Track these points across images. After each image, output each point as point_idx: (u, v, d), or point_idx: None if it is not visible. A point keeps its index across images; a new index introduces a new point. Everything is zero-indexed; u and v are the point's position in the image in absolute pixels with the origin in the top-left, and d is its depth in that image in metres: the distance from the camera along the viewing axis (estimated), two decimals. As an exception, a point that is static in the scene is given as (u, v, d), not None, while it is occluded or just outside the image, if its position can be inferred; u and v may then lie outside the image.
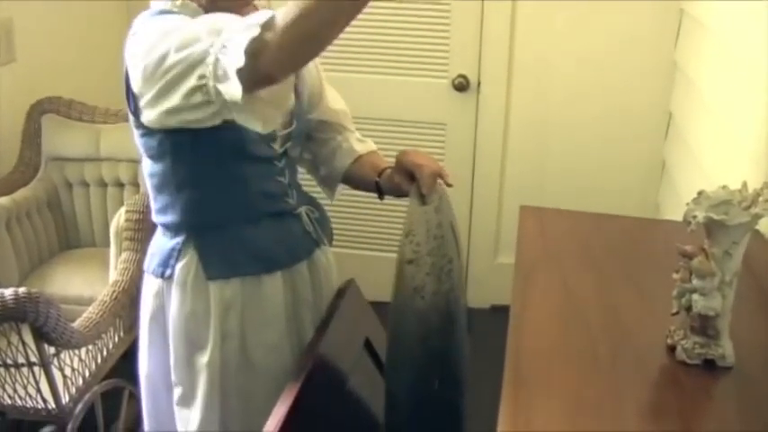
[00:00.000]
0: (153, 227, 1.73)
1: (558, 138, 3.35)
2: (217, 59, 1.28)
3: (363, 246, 3.63)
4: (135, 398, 1.86)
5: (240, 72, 1.24)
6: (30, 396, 2.18)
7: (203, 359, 1.64)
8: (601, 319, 1.44)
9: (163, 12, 1.49)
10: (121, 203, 2.76)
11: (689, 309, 1.28)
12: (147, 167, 1.63)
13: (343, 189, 1.91)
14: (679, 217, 1.27)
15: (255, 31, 1.23)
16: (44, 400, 2.18)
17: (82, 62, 3.25)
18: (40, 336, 2.05)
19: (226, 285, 1.62)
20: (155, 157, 1.59)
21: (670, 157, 3.12)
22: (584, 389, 1.24)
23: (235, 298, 1.63)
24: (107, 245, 2.68)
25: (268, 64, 1.25)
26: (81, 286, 2.72)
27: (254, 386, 1.67)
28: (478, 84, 3.33)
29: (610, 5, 3.13)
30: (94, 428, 2.32)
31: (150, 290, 1.70)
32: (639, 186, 3.31)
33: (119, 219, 2.56)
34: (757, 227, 1.31)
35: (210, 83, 1.30)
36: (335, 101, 1.85)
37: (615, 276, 1.61)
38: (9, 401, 2.21)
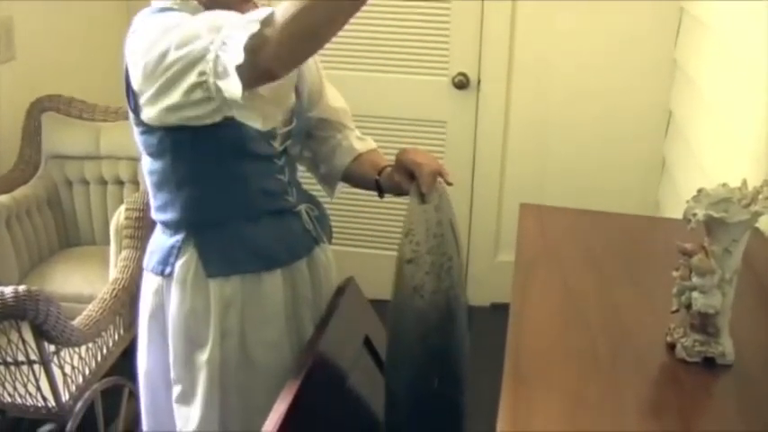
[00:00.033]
0: (153, 225, 1.73)
1: (559, 136, 3.35)
2: (217, 56, 1.29)
3: (363, 244, 3.63)
4: (135, 396, 1.86)
5: (240, 69, 1.24)
6: (30, 394, 2.18)
7: (203, 357, 1.64)
8: (600, 317, 1.44)
9: (163, 9, 1.48)
10: (121, 201, 2.76)
11: (689, 306, 1.28)
12: (147, 165, 1.63)
13: (342, 187, 1.91)
14: (679, 215, 1.27)
15: (255, 28, 1.23)
16: (44, 398, 2.18)
17: (82, 60, 3.25)
18: (40, 334, 2.05)
19: (226, 283, 1.62)
20: (154, 154, 1.59)
21: (670, 155, 3.12)
22: (583, 386, 1.24)
23: (235, 295, 1.63)
24: (107, 243, 2.68)
25: (268, 59, 1.25)
26: (81, 284, 2.72)
27: (253, 384, 1.67)
28: (478, 82, 3.33)
29: (610, 4, 3.13)
30: (94, 426, 2.32)
31: (150, 288, 1.70)
32: (639, 184, 3.31)
33: (119, 217, 2.56)
34: (757, 224, 1.31)
35: (211, 80, 1.30)
36: (335, 99, 1.85)
37: (615, 274, 1.61)
38: (9, 399, 2.21)
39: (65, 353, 2.22)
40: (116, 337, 2.51)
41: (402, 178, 1.70)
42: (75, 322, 2.22)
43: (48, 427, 2.32)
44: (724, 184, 1.25)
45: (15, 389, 2.18)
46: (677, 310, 1.32)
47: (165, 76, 1.36)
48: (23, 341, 2.07)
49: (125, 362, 2.42)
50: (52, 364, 2.14)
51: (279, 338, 1.69)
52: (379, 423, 1.75)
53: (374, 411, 1.78)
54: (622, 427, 1.16)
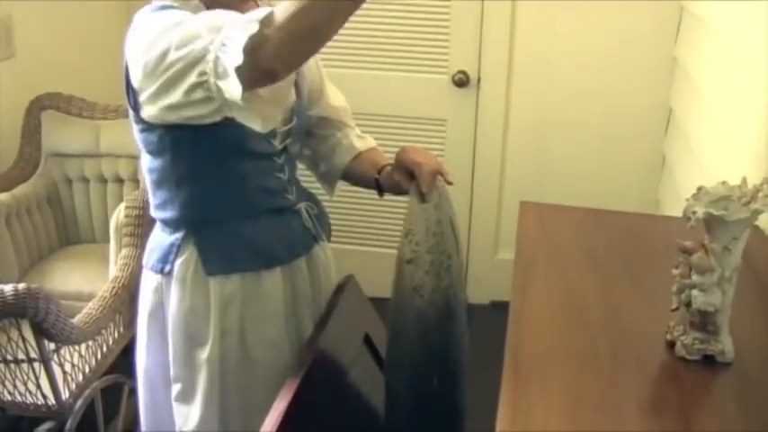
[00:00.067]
0: (153, 222, 1.73)
1: (558, 134, 3.35)
2: (217, 57, 1.28)
3: (363, 242, 3.63)
4: (135, 393, 1.86)
5: (240, 69, 1.24)
6: (30, 392, 2.18)
7: (203, 355, 1.64)
8: (600, 315, 1.44)
9: (164, 7, 1.48)
10: (121, 199, 2.76)
11: (688, 304, 1.28)
12: (147, 163, 1.63)
13: (342, 185, 1.91)
14: (679, 213, 1.27)
15: (254, 28, 1.23)
16: (44, 396, 2.18)
17: (81, 58, 3.25)
18: (40, 332, 2.05)
19: (225, 281, 1.62)
20: (154, 152, 1.59)
21: (670, 152, 3.12)
22: (583, 384, 1.24)
23: (234, 294, 1.63)
24: (107, 241, 2.68)
25: (268, 59, 1.25)
26: (81, 282, 2.72)
27: (253, 382, 1.67)
28: (478, 79, 3.33)
29: (610, 2, 3.12)
30: (94, 424, 2.32)
31: (149, 285, 1.70)
32: (639, 182, 3.30)
33: (118, 215, 2.57)
34: (757, 222, 1.31)
35: (211, 79, 1.30)
36: (336, 97, 1.85)
37: (615, 272, 1.61)
38: (9, 397, 2.21)
39: (65, 351, 2.22)
40: (116, 335, 2.51)
41: (402, 177, 1.70)
42: (75, 320, 2.22)
43: (47, 425, 2.33)
44: (724, 182, 1.25)
45: (15, 387, 2.18)
46: (677, 308, 1.32)
47: (165, 75, 1.35)
48: (23, 339, 2.07)
49: (125, 360, 2.42)
50: (52, 362, 2.14)
51: (278, 337, 1.69)
52: (378, 421, 1.75)
53: (374, 409, 1.78)
54: (622, 424, 1.16)
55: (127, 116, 1.62)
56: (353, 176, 1.85)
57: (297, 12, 1.22)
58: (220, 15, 1.34)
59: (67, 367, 2.23)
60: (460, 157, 3.42)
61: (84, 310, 2.32)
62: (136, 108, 1.52)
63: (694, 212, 1.22)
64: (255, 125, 1.34)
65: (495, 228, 3.55)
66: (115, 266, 2.54)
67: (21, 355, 2.11)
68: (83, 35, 3.27)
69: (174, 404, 1.70)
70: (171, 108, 1.39)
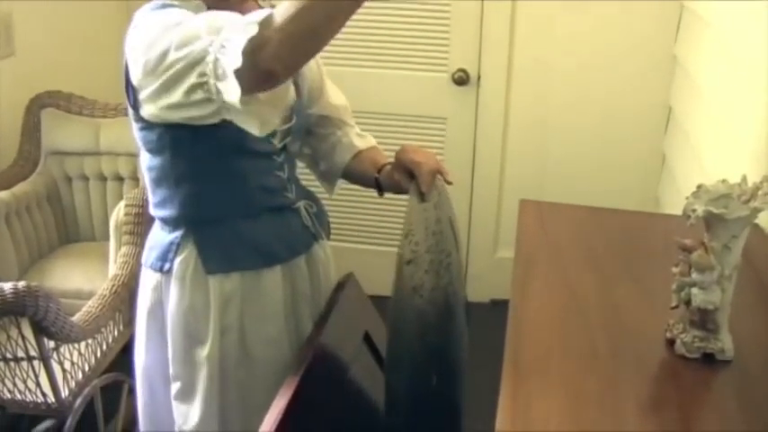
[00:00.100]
0: (152, 221, 1.72)
1: (558, 132, 3.35)
2: (216, 59, 1.28)
3: (362, 240, 3.63)
4: (134, 392, 1.86)
5: (240, 72, 1.23)
6: (29, 390, 2.18)
7: (202, 353, 1.64)
8: (600, 312, 1.44)
9: (165, 5, 1.47)
10: (121, 197, 2.76)
11: (688, 302, 1.28)
12: (146, 161, 1.63)
13: (342, 184, 1.91)
14: (679, 211, 1.27)
15: (254, 30, 1.22)
16: (44, 395, 2.18)
17: (81, 56, 3.24)
18: (40, 330, 2.05)
19: (225, 279, 1.62)
20: (154, 150, 1.59)
21: (670, 151, 3.11)
22: (583, 382, 1.24)
23: (234, 292, 1.63)
24: (107, 239, 2.69)
25: (268, 61, 1.24)
26: (80, 280, 2.72)
27: (253, 380, 1.67)
28: (478, 77, 3.32)
29: (611, 1, 3.12)
30: (94, 422, 2.32)
31: (148, 284, 1.70)
32: (639, 180, 3.30)
33: (118, 213, 2.56)
34: (756, 221, 1.31)
35: (211, 80, 1.30)
36: (336, 96, 1.85)
37: (615, 270, 1.61)
38: (9, 396, 2.21)
39: (64, 349, 2.22)
40: (116, 333, 2.51)
41: (401, 177, 1.70)
42: (75, 318, 2.22)
43: (46, 423, 2.33)
44: (723, 181, 1.25)
45: (15, 385, 2.18)
46: (677, 307, 1.32)
47: (165, 74, 1.35)
48: (23, 337, 2.07)
49: (125, 358, 2.42)
50: (52, 361, 2.14)
51: (278, 335, 1.69)
52: (378, 419, 1.75)
53: (374, 407, 1.78)
54: (622, 422, 1.16)
55: (126, 114, 1.62)
56: (353, 175, 1.85)
57: (296, 13, 1.21)
58: (220, 16, 1.33)
59: (67, 365, 2.23)
60: (460, 155, 3.42)
61: (84, 309, 2.32)
62: (135, 106, 1.51)
63: (694, 210, 1.22)
64: (253, 129, 1.33)
65: (494, 226, 3.55)
66: (115, 264, 2.54)
67: (20, 354, 2.11)
68: (83, 33, 3.27)
69: (174, 403, 1.70)
70: (171, 108, 1.38)
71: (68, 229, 3.05)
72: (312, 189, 1.83)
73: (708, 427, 1.19)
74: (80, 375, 2.30)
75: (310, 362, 1.57)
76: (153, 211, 1.68)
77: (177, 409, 1.70)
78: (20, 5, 2.89)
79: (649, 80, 3.18)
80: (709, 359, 1.29)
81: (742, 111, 2.04)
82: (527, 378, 1.25)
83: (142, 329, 1.74)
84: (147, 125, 1.54)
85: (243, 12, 1.34)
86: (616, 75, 3.21)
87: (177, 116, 1.40)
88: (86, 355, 2.33)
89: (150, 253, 1.69)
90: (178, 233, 1.63)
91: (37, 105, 2.94)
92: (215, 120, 1.36)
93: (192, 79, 1.32)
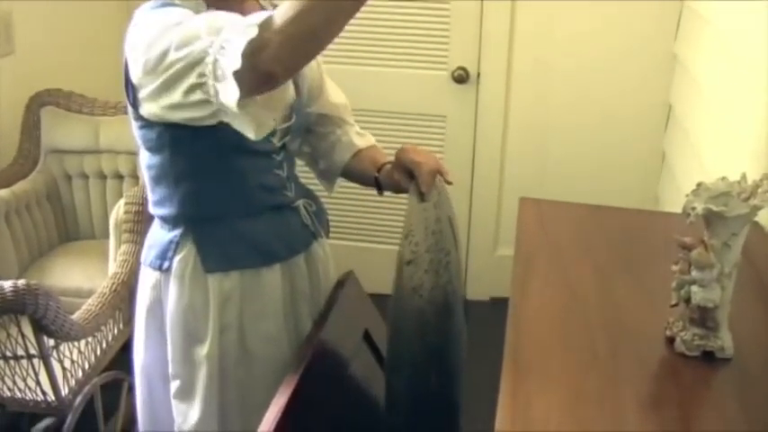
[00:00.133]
0: (152, 219, 1.72)
1: (558, 129, 3.35)
2: (216, 60, 1.27)
3: (361, 238, 3.63)
4: (134, 390, 1.86)
5: (239, 74, 1.23)
6: (29, 388, 2.18)
7: (202, 352, 1.64)
8: (600, 310, 1.44)
9: (165, 4, 1.47)
10: (121, 195, 2.76)
11: (688, 300, 1.28)
12: (145, 159, 1.63)
13: (341, 182, 1.91)
14: (679, 209, 1.27)
15: (253, 32, 1.22)
16: (43, 393, 2.18)
17: (81, 54, 3.24)
18: (40, 328, 2.05)
19: (224, 278, 1.62)
20: (153, 149, 1.59)
21: (670, 149, 3.11)
22: (583, 380, 1.24)
23: (233, 290, 1.63)
24: (106, 237, 2.69)
25: (268, 62, 1.24)
26: (80, 278, 2.72)
27: (252, 379, 1.67)
28: (478, 75, 3.32)
29: (610, -2, 3.13)
30: (94, 421, 2.32)
31: (147, 282, 1.70)
32: (639, 178, 3.30)
33: (118, 211, 2.56)
34: (756, 218, 1.31)
35: (210, 81, 1.29)
36: (336, 94, 1.84)
37: (614, 268, 1.61)
38: (8, 394, 2.21)
39: (64, 347, 2.22)
40: (115, 331, 2.51)
41: (401, 177, 1.69)
42: (75, 316, 2.22)
43: (46, 422, 2.33)
44: (723, 178, 1.25)
45: (15, 383, 2.18)
46: (676, 304, 1.32)
47: (165, 74, 1.35)
48: (23, 335, 2.07)
49: (124, 356, 2.42)
50: (51, 359, 2.14)
51: (278, 333, 1.69)
52: (378, 416, 1.75)
53: (373, 405, 1.78)
54: (622, 420, 1.16)
55: (126, 112, 1.62)
56: (353, 174, 1.85)
57: (296, 15, 1.21)
58: (220, 17, 1.33)
59: (67, 364, 2.23)
60: (460, 153, 3.42)
61: (84, 307, 2.32)
62: (135, 105, 1.51)
63: (694, 208, 1.22)
64: (249, 132, 1.32)
65: (494, 223, 3.55)
66: (114, 263, 2.54)
67: (20, 352, 2.11)
68: (82, 31, 3.27)
69: (173, 401, 1.70)
70: (170, 108, 1.38)
71: (68, 228, 3.05)
72: (311, 187, 1.83)
73: (708, 425, 1.19)
74: (80, 374, 2.30)
75: (310, 360, 1.57)
76: (152, 209, 1.68)
77: (176, 407, 1.70)
78: (20, 4, 2.89)
79: (649, 78, 3.18)
80: (708, 357, 1.29)
81: (742, 108, 2.04)
82: (527, 376, 1.25)
83: (141, 328, 1.74)
84: (146, 123, 1.54)
85: (243, 11, 1.34)
86: (616, 73, 3.21)
87: (176, 116, 1.40)
88: (86, 354, 2.33)
89: (149, 251, 1.69)
90: (177, 232, 1.63)
91: (37, 103, 2.94)
92: (213, 121, 1.36)
93: (192, 80, 1.31)
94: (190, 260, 1.62)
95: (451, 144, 3.42)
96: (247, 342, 1.66)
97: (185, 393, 1.68)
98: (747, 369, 1.28)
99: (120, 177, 3.00)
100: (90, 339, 2.33)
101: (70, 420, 2.21)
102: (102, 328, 2.39)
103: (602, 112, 3.28)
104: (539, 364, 1.28)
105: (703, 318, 1.28)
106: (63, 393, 2.21)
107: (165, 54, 1.34)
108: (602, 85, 3.24)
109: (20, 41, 2.90)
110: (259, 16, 1.24)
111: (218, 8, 1.40)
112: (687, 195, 1.25)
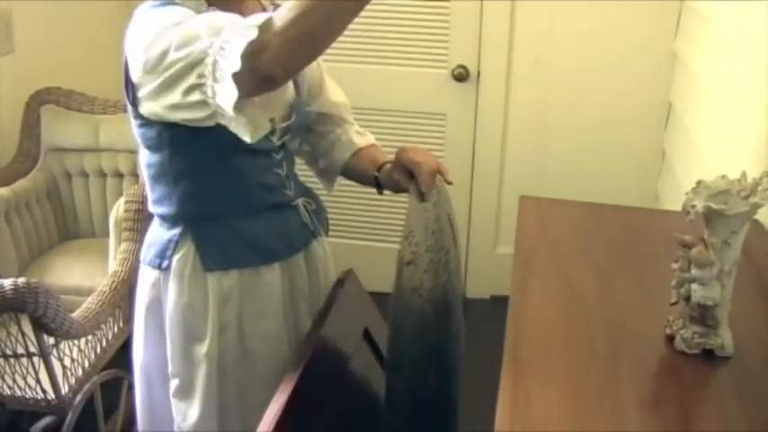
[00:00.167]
0: (152, 217, 1.72)
1: (558, 127, 3.35)
2: (215, 61, 1.27)
3: (361, 236, 3.63)
4: (132, 389, 1.86)
5: (239, 75, 1.23)
6: (29, 386, 2.18)
7: (201, 351, 1.64)
8: (600, 308, 1.44)
9: (165, 2, 1.47)
10: (121, 194, 2.76)
11: (688, 298, 1.28)
12: (145, 158, 1.63)
13: (341, 180, 1.91)
14: (678, 207, 1.27)
15: (253, 34, 1.22)
16: (43, 391, 2.18)
17: (81, 53, 3.24)
18: (40, 326, 2.05)
19: (224, 277, 1.62)
20: (153, 147, 1.59)
21: (670, 147, 3.11)
22: (583, 378, 1.24)
23: (233, 289, 1.63)
24: (106, 235, 2.68)
25: (268, 64, 1.24)
26: (80, 277, 2.72)
27: (252, 377, 1.67)
28: (478, 74, 3.32)
29: (610, -4, 3.13)
30: (94, 419, 2.32)
31: (147, 281, 1.70)
32: (639, 176, 3.30)
33: (118, 209, 2.56)
34: (756, 216, 1.31)
35: (209, 82, 1.29)
36: (336, 93, 1.84)
37: (614, 266, 1.61)
38: (8, 392, 2.21)
39: (64, 345, 2.22)
40: (115, 329, 2.51)
41: (401, 176, 1.69)
42: (75, 315, 2.22)
43: (46, 420, 2.33)
44: (723, 176, 1.25)
45: (15, 381, 2.18)
46: (676, 302, 1.32)
47: (165, 74, 1.34)
48: (23, 334, 2.07)
49: (124, 354, 2.42)
50: (52, 357, 2.14)
51: (277, 332, 1.69)
52: (378, 415, 1.75)
53: (373, 403, 1.78)
54: (622, 418, 1.16)
55: (126, 111, 1.62)
56: (353, 173, 1.85)
57: (296, 17, 1.21)
58: (220, 17, 1.33)
59: (67, 362, 2.23)
60: (460, 152, 3.42)
61: (84, 305, 2.32)
62: (134, 103, 1.51)
63: (694, 206, 1.22)
64: (245, 135, 1.32)
65: (494, 221, 3.55)
66: (114, 261, 2.54)
67: (20, 350, 2.11)
68: (82, 29, 3.27)
69: (173, 400, 1.70)
70: (170, 107, 1.38)
71: (68, 226, 3.05)
72: (311, 185, 1.83)
73: (708, 423, 1.19)
74: (80, 372, 2.30)
75: (309, 359, 1.57)
76: (152, 207, 1.68)
77: (176, 406, 1.70)
78: (20, 3, 2.88)
79: (649, 77, 3.18)
80: (708, 355, 1.29)
81: (742, 107, 2.03)
82: (527, 374, 1.25)
83: (140, 326, 1.74)
84: (146, 122, 1.54)
85: (244, 11, 1.34)
86: (616, 72, 3.21)
87: (175, 117, 1.40)
88: (86, 352, 2.33)
89: (149, 250, 1.69)
90: (177, 230, 1.63)
91: (37, 102, 2.94)
92: (211, 123, 1.36)
93: (191, 80, 1.31)
94: (189, 259, 1.61)
95: (451, 142, 3.42)
96: (247, 341, 1.66)
97: (185, 392, 1.68)
98: (747, 367, 1.28)
99: (120, 176, 3.00)
100: (90, 338, 2.33)
101: (70, 418, 2.21)
102: (102, 326, 2.39)
103: (602, 111, 3.28)
104: (538, 362, 1.28)
105: (703, 316, 1.28)
106: (63, 391, 2.21)
107: (164, 54, 1.34)
108: (602, 84, 3.24)
109: (20, 40, 2.90)
110: (259, 17, 1.23)
111: (219, 8, 1.40)
112: (687, 193, 1.25)
